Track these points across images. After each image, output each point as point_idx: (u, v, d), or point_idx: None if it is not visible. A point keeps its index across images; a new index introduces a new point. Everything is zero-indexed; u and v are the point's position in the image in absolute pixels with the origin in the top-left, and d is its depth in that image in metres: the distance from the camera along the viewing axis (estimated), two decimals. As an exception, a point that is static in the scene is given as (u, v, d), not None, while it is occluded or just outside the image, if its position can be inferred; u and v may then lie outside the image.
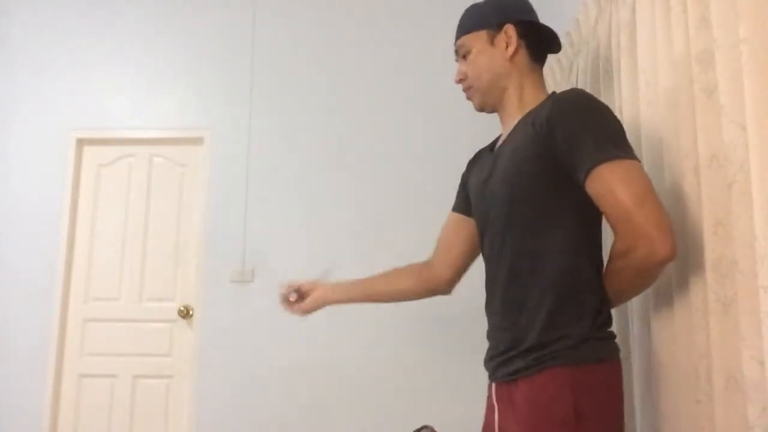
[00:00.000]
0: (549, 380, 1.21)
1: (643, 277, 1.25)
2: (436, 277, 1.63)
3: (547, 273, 1.26)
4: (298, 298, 1.70)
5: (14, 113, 3.79)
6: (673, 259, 1.17)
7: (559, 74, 2.45)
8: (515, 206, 1.31)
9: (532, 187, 1.28)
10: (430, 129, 3.60)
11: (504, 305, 1.34)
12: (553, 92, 1.42)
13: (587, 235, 1.28)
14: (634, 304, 1.57)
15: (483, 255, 1.46)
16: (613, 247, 1.24)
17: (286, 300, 1.71)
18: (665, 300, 1.40)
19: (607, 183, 1.18)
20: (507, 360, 1.31)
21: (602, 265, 1.30)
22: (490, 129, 1.92)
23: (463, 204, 1.59)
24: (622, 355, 1.67)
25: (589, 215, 1.26)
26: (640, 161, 1.22)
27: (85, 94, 3.79)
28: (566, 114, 1.25)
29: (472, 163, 1.58)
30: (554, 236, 1.26)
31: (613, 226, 1.21)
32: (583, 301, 1.25)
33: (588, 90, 1.97)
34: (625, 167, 1.18)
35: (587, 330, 1.23)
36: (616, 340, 1.32)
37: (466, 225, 1.57)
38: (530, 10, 1.48)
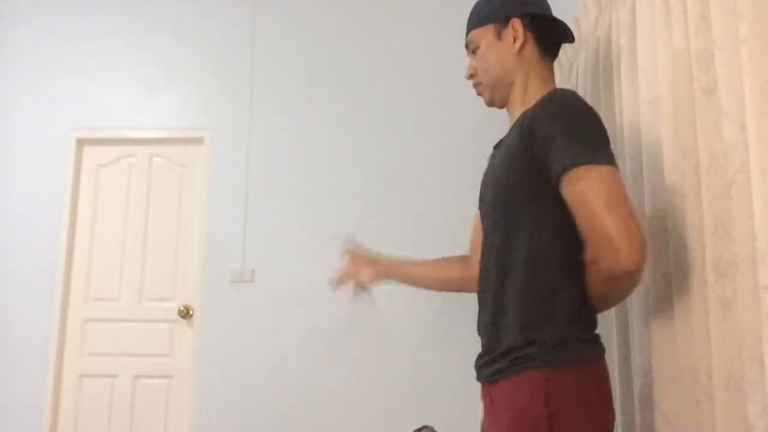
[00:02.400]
0: (523, 382, 1.20)
1: (612, 286, 1.20)
2: (471, 274, 1.63)
3: (525, 272, 1.24)
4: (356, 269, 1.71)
5: (14, 113, 3.79)
6: (639, 271, 1.12)
7: (559, 74, 2.45)
8: (500, 203, 1.31)
9: (516, 185, 1.27)
10: (432, 128, 3.59)
11: (486, 303, 1.34)
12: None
13: (569, 236, 1.23)
14: (634, 304, 1.57)
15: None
16: (585, 254, 1.20)
17: (347, 273, 1.71)
18: (665, 300, 1.40)
19: (578, 187, 1.15)
20: (489, 361, 1.31)
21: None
22: (495, 125, 1.92)
23: None
24: (622, 354, 1.68)
25: (572, 217, 1.22)
26: (617, 168, 1.19)
27: (85, 94, 3.79)
28: (548, 115, 1.23)
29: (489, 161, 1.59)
30: (535, 235, 1.24)
31: (582, 232, 1.18)
32: (560, 303, 1.21)
33: (588, 90, 1.98)
34: (598, 172, 1.15)
35: (565, 332, 1.20)
36: (613, 341, 1.31)
37: None
38: (538, 2, 1.44)
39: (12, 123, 3.78)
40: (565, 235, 1.23)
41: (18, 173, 3.72)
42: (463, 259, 1.67)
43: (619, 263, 1.10)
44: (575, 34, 2.19)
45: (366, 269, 1.70)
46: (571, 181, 1.16)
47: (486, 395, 1.33)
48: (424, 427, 2.20)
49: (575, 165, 1.16)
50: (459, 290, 1.69)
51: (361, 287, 1.72)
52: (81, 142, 3.76)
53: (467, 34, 1.47)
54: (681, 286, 1.33)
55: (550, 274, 1.23)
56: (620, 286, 1.21)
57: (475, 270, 1.60)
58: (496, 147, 1.50)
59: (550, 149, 1.19)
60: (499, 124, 1.59)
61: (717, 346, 1.18)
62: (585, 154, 1.17)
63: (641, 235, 1.12)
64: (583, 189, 1.15)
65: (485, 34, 1.42)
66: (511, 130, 1.37)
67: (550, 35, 1.44)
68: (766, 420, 1.03)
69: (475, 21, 1.45)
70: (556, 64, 2.42)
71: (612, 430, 1.25)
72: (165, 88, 3.78)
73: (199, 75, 3.77)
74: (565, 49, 2.20)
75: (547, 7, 1.46)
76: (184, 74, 3.78)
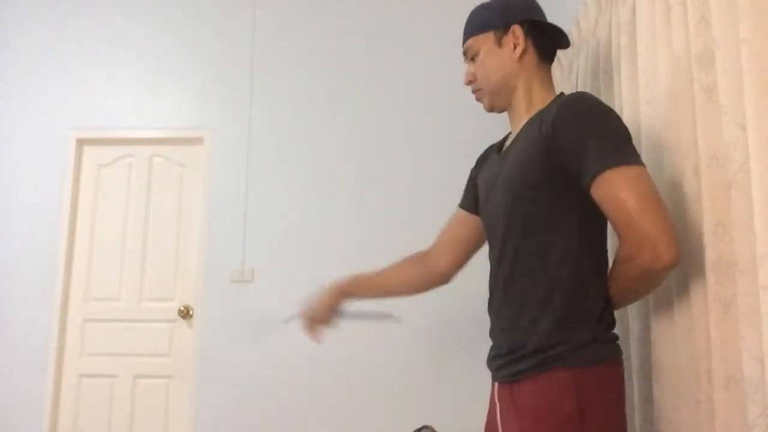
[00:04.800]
0: (552, 381, 1.22)
1: (646, 282, 1.26)
2: (437, 270, 1.65)
3: (550, 275, 1.26)
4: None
5: (14, 113, 3.79)
6: (676, 265, 1.17)
7: (559, 74, 2.45)
8: (519, 206, 1.31)
9: (536, 188, 1.28)
10: (431, 127, 3.59)
11: (505, 306, 1.34)
12: (561, 93, 1.42)
13: (591, 238, 1.28)
14: (634, 304, 1.57)
15: (489, 255, 1.46)
16: (617, 251, 1.24)
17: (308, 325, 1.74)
18: (665, 300, 1.40)
19: (612, 188, 1.18)
20: (510, 362, 1.31)
21: (606, 267, 1.30)
22: (492, 127, 1.93)
23: (470, 201, 1.61)
24: (623, 355, 1.68)
25: (594, 217, 1.26)
26: (645, 167, 1.22)
27: (85, 94, 3.78)
28: (572, 118, 1.25)
29: (481, 161, 1.59)
30: (557, 238, 1.26)
31: (617, 231, 1.22)
32: (586, 304, 1.25)
33: (588, 90, 1.98)
34: (631, 173, 1.18)
35: (590, 332, 1.23)
36: (618, 341, 1.32)
37: (472, 222, 1.59)
38: (537, 9, 1.47)
39: (12, 123, 3.78)
40: (589, 234, 1.28)
41: (18, 173, 3.72)
42: (421, 258, 1.68)
43: (657, 260, 1.15)
44: (575, 34, 2.20)
45: (322, 312, 1.72)
46: (605, 183, 1.19)
47: (505, 394, 1.33)
48: (424, 427, 2.21)
49: (608, 167, 1.19)
50: (424, 291, 1.71)
51: (330, 325, 1.74)
52: (81, 142, 3.75)
53: (465, 41, 1.48)
54: (681, 286, 1.33)
55: (578, 274, 1.25)
56: (653, 282, 1.27)
57: (438, 265, 1.64)
58: (499, 151, 1.50)
59: (580, 152, 1.21)
60: (501, 126, 1.59)
61: (717, 346, 1.18)
62: (616, 155, 1.20)
63: (676, 232, 1.17)
64: (617, 190, 1.18)
65: (485, 41, 1.44)
66: (521, 134, 1.38)
67: (548, 41, 1.46)
68: (766, 420, 1.03)
69: (474, 28, 1.46)
70: (556, 63, 2.43)
71: (626, 428, 1.27)
72: (165, 88, 3.78)
73: (199, 75, 3.77)
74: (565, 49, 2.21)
75: (543, 15, 1.48)
76: (184, 74, 3.78)
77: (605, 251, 1.32)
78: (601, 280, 1.27)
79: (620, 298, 1.30)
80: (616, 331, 1.70)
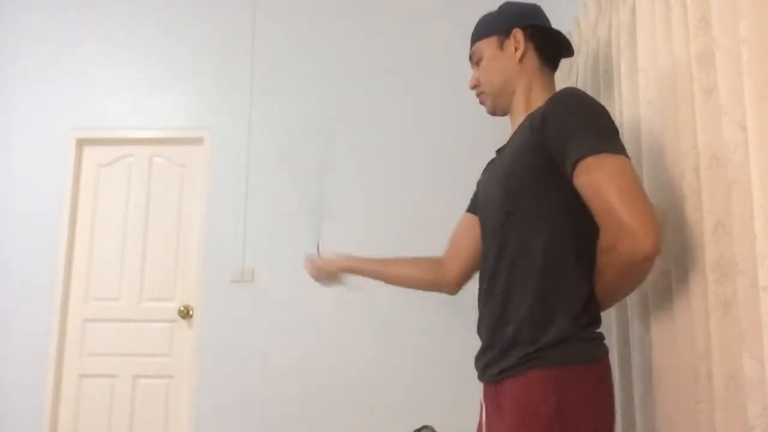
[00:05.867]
0: (533, 381, 1.21)
1: (628, 273, 1.23)
2: (445, 274, 1.66)
3: (532, 269, 1.26)
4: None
5: (14, 113, 3.79)
6: (657, 255, 1.15)
7: (559, 74, 2.44)
8: (508, 201, 1.32)
9: (525, 182, 1.29)
10: (431, 128, 3.59)
11: (488, 300, 1.35)
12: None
13: (576, 234, 1.26)
14: (634, 303, 1.57)
15: (482, 250, 1.47)
16: (599, 242, 1.23)
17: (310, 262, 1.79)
18: (665, 300, 1.41)
19: (593, 176, 1.18)
20: (493, 360, 1.31)
21: (592, 264, 1.29)
22: (495, 130, 1.93)
23: (475, 205, 1.62)
24: (622, 354, 1.68)
25: (581, 214, 1.24)
26: (629, 159, 1.22)
27: (85, 94, 3.78)
28: (559, 109, 1.26)
29: (486, 166, 1.61)
30: (542, 232, 1.26)
31: (598, 220, 1.21)
32: (567, 300, 1.24)
33: (588, 90, 1.98)
34: (613, 161, 1.18)
35: (571, 329, 1.22)
36: (613, 341, 1.32)
37: (478, 228, 1.58)
38: (541, 16, 1.50)
39: (12, 123, 3.78)
40: (576, 230, 1.27)
41: (18, 173, 3.71)
42: (434, 263, 1.69)
43: (637, 250, 1.13)
44: (575, 34, 2.20)
45: (329, 263, 1.78)
46: (586, 170, 1.19)
47: (491, 395, 1.33)
48: (424, 427, 2.21)
49: (590, 154, 1.19)
50: (425, 290, 1.73)
51: (327, 277, 1.80)
52: (81, 142, 3.75)
53: (471, 45, 1.53)
54: (681, 286, 1.33)
55: (562, 270, 1.25)
56: (635, 273, 1.24)
57: (447, 273, 1.65)
58: (491, 162, 1.52)
59: (565, 140, 1.22)
60: (500, 126, 1.59)
61: (717, 346, 1.18)
62: (599, 143, 1.20)
63: (657, 221, 1.15)
64: (599, 177, 1.18)
65: (488, 46, 1.48)
66: (516, 132, 1.40)
67: (551, 48, 1.49)
68: (766, 420, 1.03)
69: (479, 33, 1.51)
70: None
71: (613, 428, 1.26)
72: (165, 88, 3.78)
73: (199, 75, 3.77)
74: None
75: (548, 22, 1.51)
76: (184, 74, 3.78)
77: (592, 249, 1.29)
78: (585, 277, 1.26)
79: (607, 294, 1.29)
80: (616, 330, 1.71)
